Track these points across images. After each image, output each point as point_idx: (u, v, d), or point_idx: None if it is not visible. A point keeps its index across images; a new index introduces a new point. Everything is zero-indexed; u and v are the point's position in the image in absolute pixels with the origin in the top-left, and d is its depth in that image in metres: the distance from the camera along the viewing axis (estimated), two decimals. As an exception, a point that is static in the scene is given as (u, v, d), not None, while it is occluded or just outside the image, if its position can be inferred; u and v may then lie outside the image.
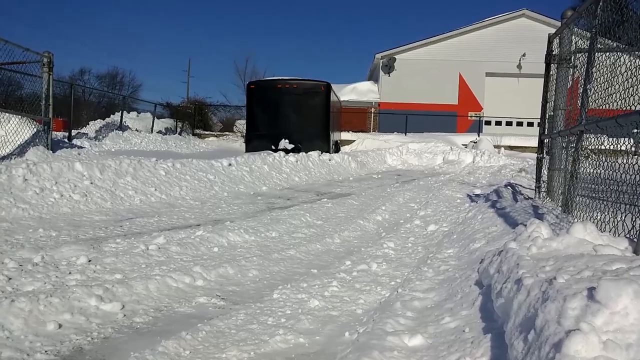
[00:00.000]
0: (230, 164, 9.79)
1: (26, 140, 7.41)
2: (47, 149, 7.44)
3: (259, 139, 16.09)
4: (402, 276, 3.79)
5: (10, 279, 3.16)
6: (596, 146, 4.01)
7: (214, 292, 3.38)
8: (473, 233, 4.63)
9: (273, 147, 15.11)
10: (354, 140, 22.24)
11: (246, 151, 15.10)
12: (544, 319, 1.68)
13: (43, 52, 7.75)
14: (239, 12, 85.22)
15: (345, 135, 22.37)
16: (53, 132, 8.18)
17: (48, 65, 7.72)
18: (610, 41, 3.93)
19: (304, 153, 13.37)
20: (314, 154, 13.61)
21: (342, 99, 23.70)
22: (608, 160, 3.54)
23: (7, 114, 7.35)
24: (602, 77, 3.82)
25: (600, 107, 3.81)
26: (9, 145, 7.14)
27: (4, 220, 4.93)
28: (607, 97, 3.65)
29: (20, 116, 7.58)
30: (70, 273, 3.42)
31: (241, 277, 3.75)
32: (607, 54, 3.87)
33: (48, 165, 6.30)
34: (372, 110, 28.48)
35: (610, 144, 3.60)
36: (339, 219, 6.45)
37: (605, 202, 3.46)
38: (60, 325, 2.63)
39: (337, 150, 18.60)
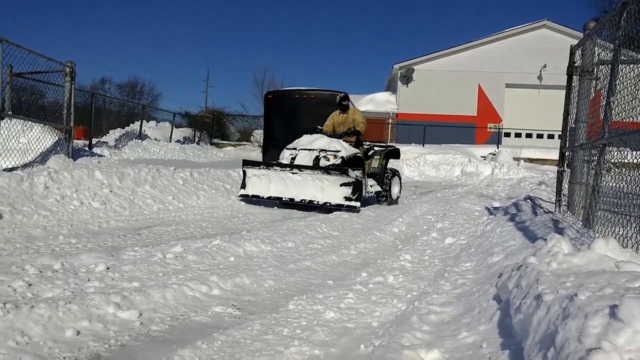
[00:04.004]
0: (247, 174, 9.82)
1: (48, 148, 7.54)
2: (68, 157, 7.56)
3: (276, 149, 16.12)
4: (419, 289, 3.75)
5: (30, 285, 3.20)
6: (619, 160, 3.94)
7: (230, 302, 3.38)
8: (491, 247, 4.57)
9: (290, 157, 15.11)
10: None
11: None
12: (565, 336, 1.65)
13: (66, 62, 7.90)
14: (257, 23, 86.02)
15: (362, 146, 22.29)
16: (74, 141, 8.32)
17: (70, 74, 7.87)
18: (634, 53, 3.88)
19: (321, 163, 13.35)
20: (331, 164, 13.58)
21: (359, 109, 23.70)
22: (631, 174, 3.48)
23: (29, 123, 7.49)
24: (626, 90, 3.76)
25: (624, 120, 3.75)
26: (32, 153, 7.27)
27: (25, 227, 5.01)
28: (630, 110, 3.60)
29: (42, 125, 7.72)
30: (89, 280, 3.45)
31: (257, 287, 3.75)
32: (631, 65, 3.82)
33: (69, 173, 6.40)
34: (390, 120, 28.44)
35: (633, 157, 3.53)
36: (355, 230, 6.43)
37: (628, 217, 3.40)
38: (78, 332, 2.66)
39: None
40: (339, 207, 7.70)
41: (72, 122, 7.93)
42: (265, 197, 8.18)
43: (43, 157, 7.27)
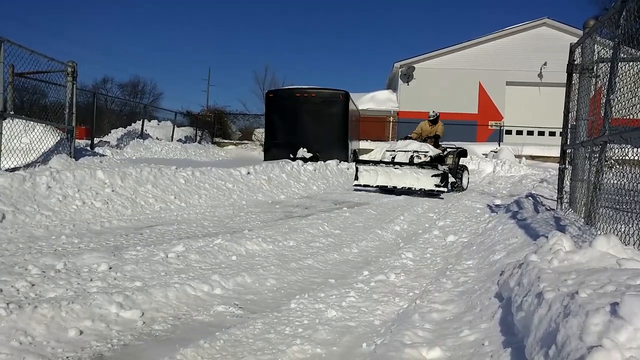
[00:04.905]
0: (248, 173, 9.85)
1: (50, 148, 7.56)
2: (70, 156, 7.58)
3: (278, 148, 16.15)
4: (421, 287, 3.76)
5: (33, 285, 3.21)
6: (620, 157, 3.94)
7: (232, 301, 3.39)
8: (493, 244, 4.58)
9: (291, 156, 15.15)
10: (373, 149, 22.21)
11: (265, 160, 15.18)
12: (566, 334, 1.65)
13: (67, 62, 7.90)
14: (258, 22, 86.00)
15: (363, 144, 22.34)
16: (76, 140, 8.33)
17: (72, 74, 7.88)
18: (634, 50, 3.87)
19: (322, 162, 13.41)
20: (332, 162, 13.63)
21: (360, 107, 23.70)
22: (632, 171, 3.48)
23: (31, 122, 7.50)
24: (626, 87, 3.76)
25: (624, 117, 3.75)
26: (34, 153, 7.29)
27: (27, 227, 5.02)
28: (631, 107, 3.60)
29: (44, 125, 7.73)
30: (91, 280, 3.46)
31: (259, 286, 3.76)
32: (631, 63, 3.82)
33: (71, 173, 6.41)
34: (391, 119, 28.42)
35: (634, 154, 3.53)
36: (357, 229, 6.43)
37: (629, 214, 3.40)
38: (81, 332, 2.66)
39: (355, 159, 18.58)
40: (431, 191, 10.61)
41: (74, 122, 7.94)
42: (374, 185, 11.18)
43: (45, 157, 7.28)
